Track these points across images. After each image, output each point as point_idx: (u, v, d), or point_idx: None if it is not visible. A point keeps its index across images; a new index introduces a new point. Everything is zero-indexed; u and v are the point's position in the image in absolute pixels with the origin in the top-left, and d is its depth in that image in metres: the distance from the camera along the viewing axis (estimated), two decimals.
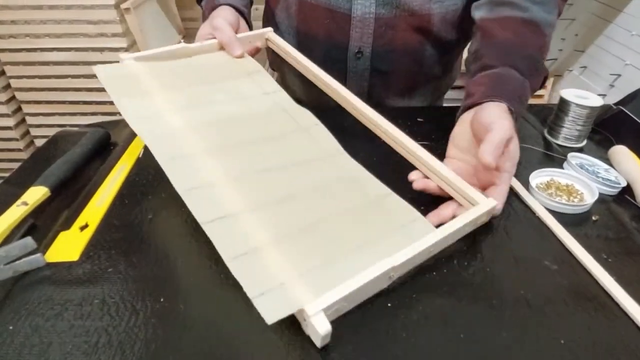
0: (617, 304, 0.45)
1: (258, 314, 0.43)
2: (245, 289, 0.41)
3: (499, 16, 0.66)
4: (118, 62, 0.67)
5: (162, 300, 0.45)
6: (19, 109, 1.69)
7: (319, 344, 0.40)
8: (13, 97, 1.67)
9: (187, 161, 0.54)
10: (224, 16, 0.74)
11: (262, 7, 0.93)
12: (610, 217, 0.57)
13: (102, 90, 1.59)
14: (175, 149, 0.55)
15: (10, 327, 0.42)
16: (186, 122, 0.59)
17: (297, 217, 0.50)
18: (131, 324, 0.42)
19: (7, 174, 1.83)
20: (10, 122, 1.67)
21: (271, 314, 0.39)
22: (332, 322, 0.40)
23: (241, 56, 0.72)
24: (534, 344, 0.41)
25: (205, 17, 0.78)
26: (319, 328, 0.39)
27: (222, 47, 0.73)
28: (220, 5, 0.76)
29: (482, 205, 0.52)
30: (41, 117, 1.70)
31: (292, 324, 0.42)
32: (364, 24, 0.75)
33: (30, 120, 1.71)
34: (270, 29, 0.79)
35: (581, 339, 0.42)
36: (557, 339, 0.42)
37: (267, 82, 0.70)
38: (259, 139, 0.59)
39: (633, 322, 0.44)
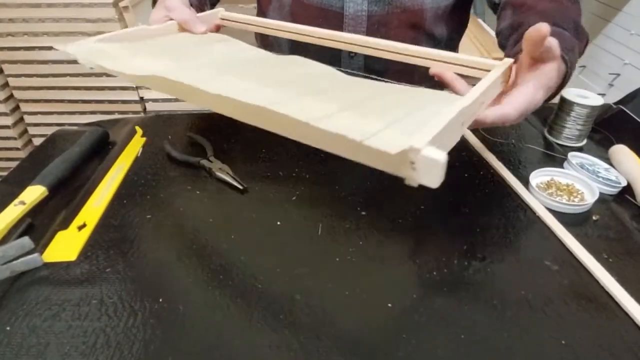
0: (618, 304, 0.45)
1: (257, 315, 0.42)
2: (350, 134, 0.35)
3: None
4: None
5: (160, 300, 0.44)
6: (17, 107, 1.68)
7: (439, 178, 0.34)
8: (11, 96, 1.66)
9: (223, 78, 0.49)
10: None
11: (250, 7, 0.91)
12: (610, 216, 0.57)
13: (101, 89, 1.61)
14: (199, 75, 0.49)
15: (8, 328, 0.42)
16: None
17: (354, 93, 0.47)
18: (129, 324, 0.42)
19: (4, 173, 1.82)
20: (9, 120, 1.66)
21: (390, 146, 0.34)
22: (332, 326, 0.39)
23: (205, 32, 0.69)
24: (535, 344, 0.41)
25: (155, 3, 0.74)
26: (437, 156, 0.33)
27: (182, 29, 0.69)
28: None
29: (502, 64, 0.50)
30: (39, 115, 1.69)
31: (291, 324, 0.42)
32: (357, 22, 0.75)
33: (28, 119, 1.70)
34: (222, 8, 0.75)
35: (582, 339, 0.42)
36: (558, 339, 0.42)
37: (243, 44, 0.66)
38: (276, 67, 0.56)
39: (634, 322, 0.43)
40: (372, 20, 0.75)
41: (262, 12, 0.87)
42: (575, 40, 0.57)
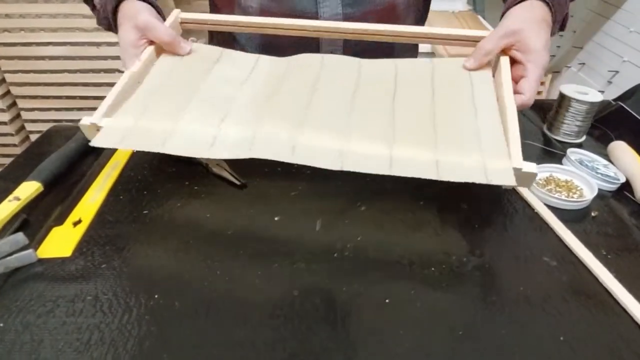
0: (616, 301, 0.45)
1: (254, 311, 0.42)
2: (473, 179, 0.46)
3: None
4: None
5: (156, 296, 0.44)
6: (14, 103, 1.68)
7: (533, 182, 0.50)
8: (8, 92, 1.65)
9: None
10: (141, 11, 0.61)
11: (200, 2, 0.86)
12: (609, 213, 0.57)
13: (99, 85, 1.60)
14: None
15: (1, 324, 0.41)
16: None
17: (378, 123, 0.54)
18: (124, 320, 0.42)
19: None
20: (5, 117, 1.66)
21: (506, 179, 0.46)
22: (329, 321, 0.39)
23: (190, 51, 0.65)
24: (533, 340, 0.41)
25: (105, 18, 0.64)
26: (533, 169, 0.48)
27: (160, 51, 0.64)
28: None
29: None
30: (36, 112, 1.68)
31: (288, 320, 0.42)
32: None
33: (25, 115, 1.69)
34: (178, 10, 0.69)
35: (580, 335, 0.41)
36: (557, 335, 0.41)
37: (241, 57, 0.66)
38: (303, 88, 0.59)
39: (632, 318, 0.43)
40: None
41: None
42: None
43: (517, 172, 0.47)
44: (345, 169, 0.48)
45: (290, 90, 0.58)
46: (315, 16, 0.72)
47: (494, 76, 0.59)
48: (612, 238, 0.53)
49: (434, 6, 0.86)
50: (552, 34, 0.59)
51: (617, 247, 0.51)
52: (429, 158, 0.49)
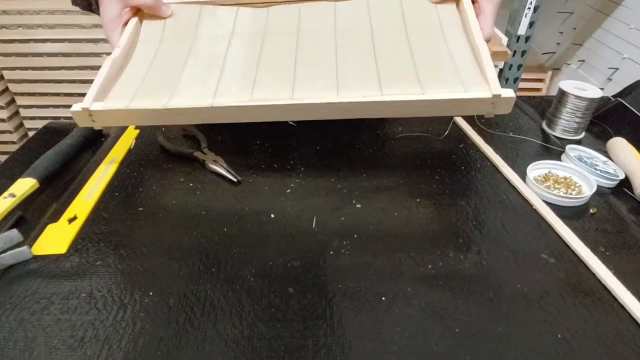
0: (614, 298, 0.44)
1: (249, 308, 0.42)
2: (446, 96, 0.51)
3: None
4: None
5: (151, 294, 0.44)
6: (13, 100, 1.67)
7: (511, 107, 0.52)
8: (6, 89, 1.65)
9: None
10: None
11: None
12: (608, 209, 0.56)
13: None
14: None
15: None
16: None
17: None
18: (119, 318, 0.41)
19: None
20: (4, 114, 1.65)
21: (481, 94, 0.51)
22: (325, 319, 0.39)
23: (171, 14, 0.66)
24: (531, 337, 0.41)
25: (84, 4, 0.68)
26: (511, 94, 0.51)
27: (141, 16, 0.65)
28: None
29: None
30: (35, 109, 1.68)
31: (283, 318, 0.41)
32: None
33: (23, 112, 1.69)
34: None
35: (578, 332, 0.41)
36: (554, 332, 0.41)
37: (221, 11, 0.66)
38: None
39: (630, 315, 0.43)
40: None
41: None
42: None
43: (497, 98, 0.51)
44: (342, 100, 0.52)
45: (277, 44, 0.61)
46: None
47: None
48: (610, 235, 0.52)
49: None
50: None
51: (615, 244, 0.51)
52: (415, 92, 0.53)
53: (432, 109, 0.53)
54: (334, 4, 0.66)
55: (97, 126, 0.57)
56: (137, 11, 0.64)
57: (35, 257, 0.48)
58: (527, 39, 1.68)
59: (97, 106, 0.55)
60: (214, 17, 0.65)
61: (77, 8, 0.76)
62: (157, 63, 0.60)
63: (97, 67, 1.76)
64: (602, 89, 1.75)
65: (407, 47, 0.59)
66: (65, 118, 1.68)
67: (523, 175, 0.60)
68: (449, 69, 0.55)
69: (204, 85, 0.56)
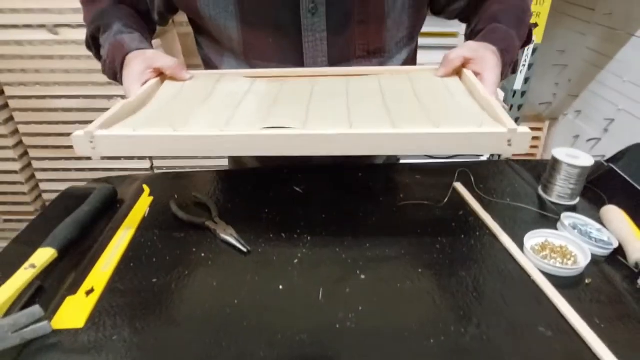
0: None
1: None
2: (463, 130, 0.53)
3: None
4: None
5: None
6: (25, 153, 1.73)
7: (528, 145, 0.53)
8: (20, 142, 1.71)
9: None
10: (149, 49, 0.71)
11: None
12: (602, 279, 0.58)
13: None
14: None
15: None
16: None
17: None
18: None
19: (15, 225, 1.84)
20: (17, 166, 1.71)
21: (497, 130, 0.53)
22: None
23: (191, 77, 0.72)
24: None
25: (111, 69, 0.72)
26: (526, 130, 0.52)
27: (163, 79, 0.70)
28: (133, 50, 0.69)
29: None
30: (47, 161, 1.73)
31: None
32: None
33: (36, 164, 1.74)
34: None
35: None
36: None
37: (240, 79, 0.71)
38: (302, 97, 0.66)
39: None
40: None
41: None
42: (512, 31, 0.72)
43: (513, 133, 0.52)
44: (355, 131, 0.54)
45: (291, 96, 0.66)
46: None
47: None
48: (605, 306, 0.54)
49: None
50: (505, 75, 0.71)
51: (610, 316, 0.53)
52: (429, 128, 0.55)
53: (446, 145, 0.53)
54: (347, 79, 0.71)
55: (96, 155, 0.56)
56: (160, 74, 0.71)
57: (55, 332, 0.50)
58: (523, 93, 1.75)
59: (101, 132, 0.55)
60: (233, 82, 0.71)
61: (92, 67, 0.84)
62: (169, 106, 0.64)
63: None
64: (598, 139, 1.79)
65: (417, 102, 0.62)
66: (77, 170, 1.73)
67: (521, 244, 0.62)
68: (461, 114, 0.58)
69: (215, 117, 0.58)
